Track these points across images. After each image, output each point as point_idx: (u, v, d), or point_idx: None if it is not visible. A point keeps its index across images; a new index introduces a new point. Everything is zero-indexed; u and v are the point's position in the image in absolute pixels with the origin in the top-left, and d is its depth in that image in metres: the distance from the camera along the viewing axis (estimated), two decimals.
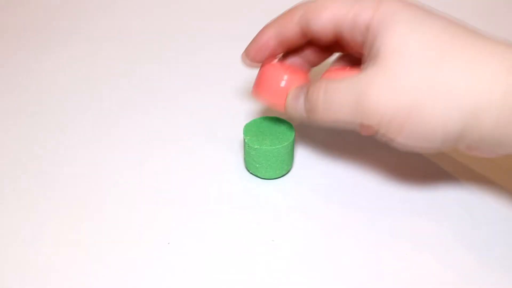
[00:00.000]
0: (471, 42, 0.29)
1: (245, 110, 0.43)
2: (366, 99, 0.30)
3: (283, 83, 0.35)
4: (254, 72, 0.37)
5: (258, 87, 0.36)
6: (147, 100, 0.44)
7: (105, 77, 0.47)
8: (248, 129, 0.37)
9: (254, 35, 0.37)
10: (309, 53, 0.37)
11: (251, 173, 0.38)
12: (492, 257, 0.33)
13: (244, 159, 0.38)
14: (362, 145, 0.40)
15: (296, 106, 0.34)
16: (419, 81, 0.29)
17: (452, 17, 0.31)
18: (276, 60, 0.37)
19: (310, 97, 0.32)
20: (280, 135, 0.36)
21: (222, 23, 0.53)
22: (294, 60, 0.37)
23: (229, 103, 0.44)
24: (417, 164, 0.39)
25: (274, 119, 0.37)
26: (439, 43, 0.29)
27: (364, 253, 0.33)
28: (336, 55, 0.38)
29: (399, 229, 0.35)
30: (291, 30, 0.34)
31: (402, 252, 0.33)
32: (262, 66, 0.36)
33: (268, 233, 0.34)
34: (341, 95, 0.31)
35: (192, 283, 0.32)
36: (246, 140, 0.36)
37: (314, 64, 0.38)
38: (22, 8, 0.55)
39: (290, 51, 0.37)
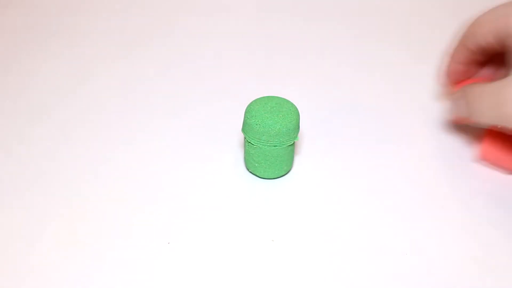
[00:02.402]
0: None
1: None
2: (504, 108, 0.31)
3: None
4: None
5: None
6: (147, 100, 0.44)
7: (105, 77, 0.46)
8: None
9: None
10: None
11: (250, 172, 0.38)
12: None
13: (244, 157, 0.38)
14: (362, 147, 0.40)
15: (453, 110, 0.37)
16: None
17: None
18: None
19: (456, 104, 0.36)
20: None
21: (223, 22, 0.53)
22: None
23: (230, 101, 0.44)
24: (417, 166, 0.39)
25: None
26: None
27: (364, 254, 0.33)
28: None
29: (399, 230, 0.35)
30: (467, 55, 0.37)
31: (401, 253, 0.33)
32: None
33: (268, 233, 0.34)
34: (482, 103, 0.33)
35: (192, 283, 0.32)
36: (246, 139, 0.36)
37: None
38: (21, 8, 0.54)
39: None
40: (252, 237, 0.34)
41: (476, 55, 0.38)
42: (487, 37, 0.36)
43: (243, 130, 0.36)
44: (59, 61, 0.48)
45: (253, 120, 0.35)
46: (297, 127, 0.35)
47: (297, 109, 0.35)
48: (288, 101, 0.36)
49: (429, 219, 0.35)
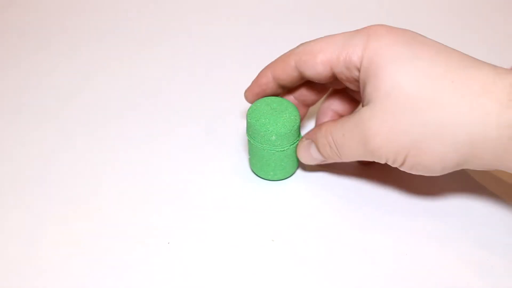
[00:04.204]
0: (461, 74, 0.29)
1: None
2: (369, 144, 0.31)
3: None
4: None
5: None
6: (150, 101, 0.44)
7: (105, 77, 0.47)
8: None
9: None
10: (304, 93, 0.38)
11: (256, 174, 0.38)
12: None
13: (249, 160, 0.38)
14: None
15: (309, 157, 0.36)
16: (413, 122, 0.29)
17: (441, 44, 0.31)
18: None
19: (322, 151, 0.34)
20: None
21: (224, 22, 0.53)
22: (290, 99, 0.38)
23: (233, 101, 0.43)
24: None
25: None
26: (430, 79, 0.29)
27: (363, 254, 0.33)
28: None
29: (399, 231, 0.35)
30: (288, 74, 0.35)
31: (401, 253, 0.33)
32: None
33: (268, 233, 0.34)
34: (348, 144, 0.32)
35: (192, 283, 0.32)
36: (250, 141, 0.36)
37: (309, 104, 0.39)
38: (22, 8, 0.55)
39: (286, 91, 0.38)
40: (252, 237, 0.34)
41: (298, 80, 0.36)
42: (321, 71, 0.33)
43: (247, 132, 0.36)
44: (62, 61, 0.48)
45: (255, 121, 0.35)
46: (299, 129, 0.35)
47: (298, 110, 0.35)
48: (289, 102, 0.36)
49: (430, 219, 0.35)
